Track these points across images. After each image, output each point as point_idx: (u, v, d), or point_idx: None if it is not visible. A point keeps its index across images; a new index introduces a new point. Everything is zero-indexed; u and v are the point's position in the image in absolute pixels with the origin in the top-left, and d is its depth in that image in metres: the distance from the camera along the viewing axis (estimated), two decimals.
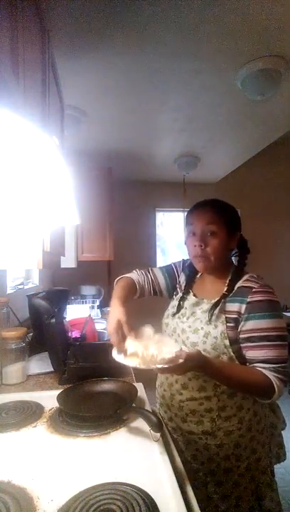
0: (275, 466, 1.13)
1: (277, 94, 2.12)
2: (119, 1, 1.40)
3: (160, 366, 0.81)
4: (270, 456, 1.08)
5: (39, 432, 0.90)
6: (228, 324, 0.98)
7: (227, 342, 0.97)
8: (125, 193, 4.26)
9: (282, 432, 1.14)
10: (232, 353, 0.98)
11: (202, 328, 1.02)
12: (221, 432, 1.00)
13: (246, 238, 1.18)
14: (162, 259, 4.54)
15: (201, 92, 2.15)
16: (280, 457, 1.12)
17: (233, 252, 1.13)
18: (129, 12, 1.46)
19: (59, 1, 1.38)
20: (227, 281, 1.05)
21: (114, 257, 3.36)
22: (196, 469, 1.02)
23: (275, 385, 0.89)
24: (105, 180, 3.27)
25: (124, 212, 4.20)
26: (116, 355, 0.91)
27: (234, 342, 0.98)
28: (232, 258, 1.14)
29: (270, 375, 0.90)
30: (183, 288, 1.19)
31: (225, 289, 1.03)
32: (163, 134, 2.87)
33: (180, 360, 0.81)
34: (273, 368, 0.91)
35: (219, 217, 1.04)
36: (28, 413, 0.99)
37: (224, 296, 1.01)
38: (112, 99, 2.22)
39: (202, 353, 0.93)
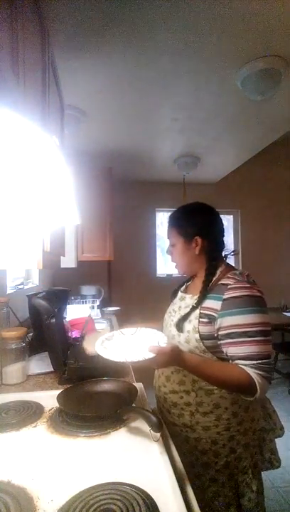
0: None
1: (277, 94, 2.12)
2: (119, 1, 1.40)
3: (129, 360, 0.87)
4: (256, 459, 1.08)
5: (39, 432, 0.90)
6: (201, 319, 1.02)
7: (197, 336, 1.01)
8: (125, 193, 4.26)
9: (278, 438, 1.14)
10: (204, 347, 1.01)
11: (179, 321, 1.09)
12: (199, 426, 1.04)
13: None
14: (162, 259, 4.54)
15: (201, 92, 2.15)
16: (273, 463, 1.12)
17: (230, 252, 1.19)
18: (129, 12, 1.46)
19: (59, 1, 1.38)
20: (204, 278, 1.09)
21: (114, 257, 3.37)
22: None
23: (256, 383, 0.89)
24: (105, 180, 3.27)
25: (124, 212, 4.20)
26: (98, 346, 0.97)
27: (207, 337, 1.01)
28: (228, 257, 1.20)
29: (251, 371, 0.90)
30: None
31: (200, 287, 1.08)
32: (163, 134, 2.87)
33: (152, 355, 0.86)
34: (253, 364, 0.90)
35: (172, 229, 1.17)
36: (28, 413, 0.99)
37: (200, 297, 1.05)
38: (112, 99, 2.22)
39: (180, 347, 0.99)
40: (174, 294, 1.27)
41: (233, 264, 1.20)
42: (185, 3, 1.41)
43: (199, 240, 1.12)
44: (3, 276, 1.84)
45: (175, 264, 1.21)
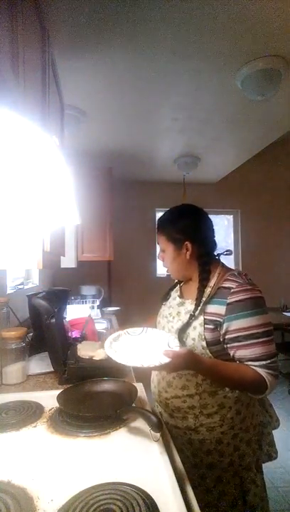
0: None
1: (277, 94, 2.12)
2: (119, 1, 1.40)
3: (146, 365, 0.85)
4: (257, 454, 1.10)
5: (39, 432, 0.90)
6: (206, 326, 1.00)
7: (203, 344, 1.00)
8: (125, 193, 4.26)
9: (274, 430, 1.16)
10: (210, 354, 1.01)
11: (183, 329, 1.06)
12: (203, 428, 1.03)
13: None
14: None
15: (201, 92, 2.15)
16: (271, 456, 1.14)
17: (223, 252, 1.17)
18: (129, 12, 1.46)
19: (59, 1, 1.38)
20: (198, 284, 1.06)
21: (114, 257, 3.37)
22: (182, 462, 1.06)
23: (267, 381, 0.93)
24: (105, 180, 3.27)
25: (124, 212, 4.20)
26: (107, 346, 0.95)
27: (213, 343, 1.00)
28: (221, 259, 1.16)
29: (262, 371, 0.93)
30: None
31: (196, 293, 1.05)
32: (163, 134, 2.87)
33: (168, 360, 0.84)
34: (263, 365, 0.94)
35: (161, 235, 1.15)
36: (28, 413, 0.99)
37: (197, 304, 1.03)
38: (112, 99, 2.22)
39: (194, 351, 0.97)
40: (166, 296, 1.25)
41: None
42: (185, 3, 1.41)
43: (189, 245, 1.09)
44: (3, 276, 1.84)
45: (167, 269, 1.19)
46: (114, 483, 0.67)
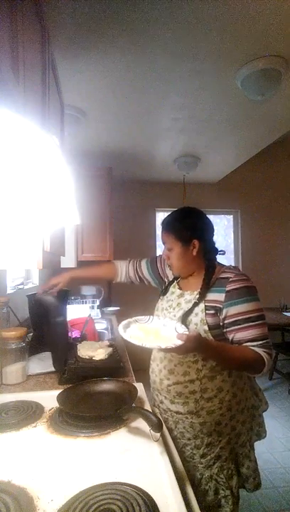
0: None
1: (277, 94, 2.12)
2: (119, 1, 1.40)
3: (164, 347, 0.90)
4: (250, 433, 1.21)
5: (39, 432, 0.90)
6: (207, 312, 1.10)
7: (205, 327, 1.10)
8: (125, 193, 4.26)
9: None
10: (211, 337, 1.10)
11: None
12: (204, 412, 1.11)
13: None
14: None
15: (201, 92, 2.15)
16: (260, 435, 1.25)
17: (219, 251, 1.26)
18: (129, 12, 1.46)
19: (59, 1, 1.38)
20: (202, 278, 1.17)
21: (114, 257, 3.36)
22: (184, 444, 1.14)
23: (265, 359, 1.02)
24: (105, 180, 3.27)
25: (124, 212, 4.20)
26: (122, 332, 0.98)
27: (214, 327, 1.10)
28: (217, 256, 1.27)
29: (259, 351, 1.03)
30: (169, 279, 1.38)
31: (200, 285, 1.16)
32: (163, 134, 2.87)
33: (181, 342, 0.90)
34: (260, 344, 1.04)
35: (169, 234, 1.22)
36: (28, 413, 0.99)
37: (202, 292, 1.13)
38: (112, 99, 2.22)
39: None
40: (165, 291, 1.32)
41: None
42: (186, 3, 1.41)
43: (196, 242, 1.19)
44: (3, 276, 1.84)
45: (169, 265, 1.27)
46: (114, 483, 0.67)
